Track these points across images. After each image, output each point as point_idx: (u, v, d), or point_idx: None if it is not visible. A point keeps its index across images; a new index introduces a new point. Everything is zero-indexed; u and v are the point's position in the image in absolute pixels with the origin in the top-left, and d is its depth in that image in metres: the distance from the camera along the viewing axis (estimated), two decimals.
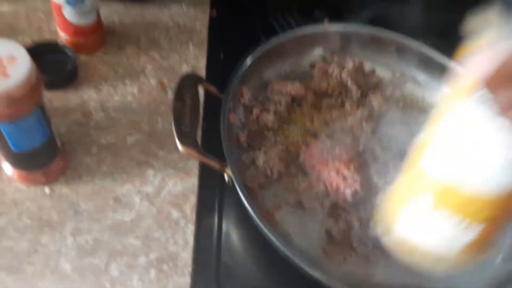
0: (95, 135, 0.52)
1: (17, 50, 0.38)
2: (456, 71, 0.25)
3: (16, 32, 0.60)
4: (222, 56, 0.65)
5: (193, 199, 0.49)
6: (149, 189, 0.49)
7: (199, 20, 0.66)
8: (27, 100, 0.38)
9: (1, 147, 0.42)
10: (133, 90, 0.57)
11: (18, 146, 0.42)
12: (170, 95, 0.57)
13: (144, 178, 0.50)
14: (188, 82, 0.50)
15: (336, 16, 0.66)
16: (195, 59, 0.62)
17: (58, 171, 0.48)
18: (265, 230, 0.43)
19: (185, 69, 0.60)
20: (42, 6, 0.63)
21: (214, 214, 0.50)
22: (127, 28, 0.63)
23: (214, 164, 0.46)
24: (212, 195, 0.51)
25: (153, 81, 0.58)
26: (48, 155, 0.46)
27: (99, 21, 0.58)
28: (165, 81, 0.59)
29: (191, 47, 0.63)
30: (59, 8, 0.53)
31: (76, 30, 0.56)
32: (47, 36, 0.59)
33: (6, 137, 0.40)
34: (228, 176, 0.46)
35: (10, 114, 0.38)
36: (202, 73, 0.60)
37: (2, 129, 0.40)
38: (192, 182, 0.51)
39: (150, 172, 0.50)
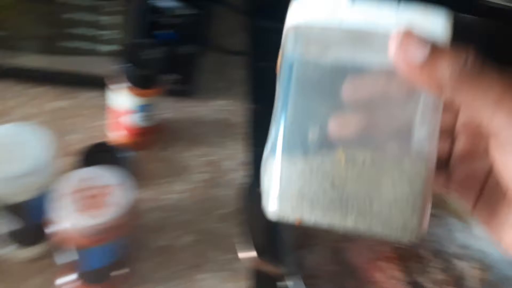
0: (152, 238, 0.54)
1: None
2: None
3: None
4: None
5: None
6: None
7: (242, 114, 0.69)
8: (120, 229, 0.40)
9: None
10: (186, 187, 0.59)
11: (88, 266, 0.44)
12: (220, 190, 0.59)
13: (196, 284, 0.51)
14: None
15: None
16: (241, 155, 0.64)
17: (119, 283, 0.49)
18: None
19: (232, 164, 0.63)
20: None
21: None
22: (178, 123, 0.66)
23: (275, 270, 0.47)
24: None
25: (203, 178, 0.61)
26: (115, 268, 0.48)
27: (159, 121, 0.62)
28: (215, 177, 0.61)
29: (238, 141, 0.65)
30: (128, 113, 0.57)
31: (139, 131, 0.59)
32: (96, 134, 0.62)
33: (79, 258, 0.43)
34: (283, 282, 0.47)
35: (98, 240, 0.40)
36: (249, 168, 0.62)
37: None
38: (242, 285, 0.51)
39: (201, 276, 0.51)
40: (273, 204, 0.24)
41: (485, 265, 0.55)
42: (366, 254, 0.55)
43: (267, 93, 0.80)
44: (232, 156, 0.64)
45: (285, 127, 0.25)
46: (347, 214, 0.24)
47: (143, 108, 0.57)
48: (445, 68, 0.22)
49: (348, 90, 0.25)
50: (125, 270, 0.50)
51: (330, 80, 0.25)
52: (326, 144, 0.24)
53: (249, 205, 0.51)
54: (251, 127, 0.68)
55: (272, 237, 0.50)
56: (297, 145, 0.24)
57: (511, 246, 0.25)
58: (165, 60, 0.59)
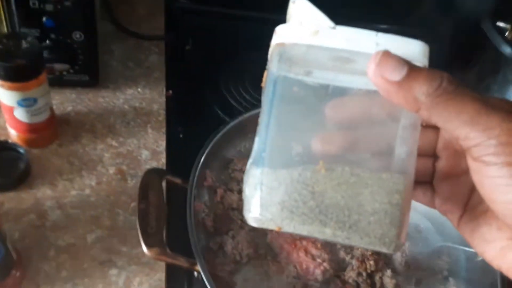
0: (53, 237, 0.49)
1: None
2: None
3: None
4: (181, 136, 0.65)
5: None
6: None
7: (156, 101, 0.67)
8: None
9: None
10: (90, 182, 0.55)
11: None
12: (130, 183, 0.56)
13: (107, 280, 0.47)
14: (151, 177, 0.49)
15: None
16: (155, 143, 0.61)
17: (15, 285, 0.44)
18: None
19: (145, 154, 0.60)
20: None
21: None
22: (82, 115, 0.62)
23: (183, 263, 0.45)
24: None
25: (111, 170, 0.57)
26: (3, 271, 0.43)
27: (52, 116, 0.56)
28: (124, 168, 0.57)
29: (149, 130, 0.63)
30: (10, 109, 0.51)
31: (29, 128, 0.54)
32: None
33: None
34: (198, 272, 0.45)
35: None
36: (163, 157, 0.60)
37: None
38: (158, 277, 0.49)
39: (113, 272, 0.48)
40: (254, 212, 0.25)
41: (410, 238, 0.57)
42: (287, 236, 0.55)
43: (183, 80, 0.78)
44: (146, 146, 0.61)
45: (268, 139, 0.26)
46: (326, 224, 0.24)
47: (25, 103, 0.51)
48: (421, 88, 0.22)
49: (331, 111, 0.26)
50: (20, 271, 0.45)
51: (313, 98, 0.26)
52: (308, 157, 0.25)
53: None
54: (167, 115, 0.65)
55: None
56: (279, 157, 0.25)
57: (493, 260, 0.27)
58: (51, 49, 0.55)
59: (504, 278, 0.52)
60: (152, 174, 0.49)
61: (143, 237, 0.43)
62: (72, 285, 0.46)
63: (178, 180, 0.52)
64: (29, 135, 0.55)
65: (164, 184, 0.56)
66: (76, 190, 0.54)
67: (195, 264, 0.45)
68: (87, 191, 0.54)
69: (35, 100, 0.51)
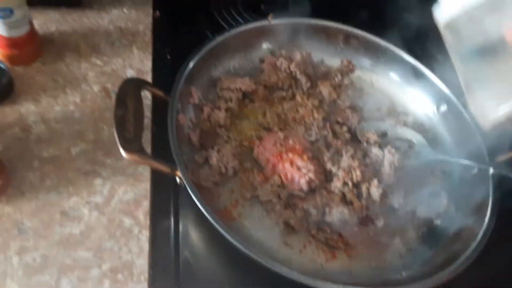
0: (37, 149, 0.49)
1: None
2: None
3: None
4: (168, 57, 0.64)
5: (146, 205, 0.48)
6: (98, 199, 0.47)
7: (142, 22, 0.65)
8: None
9: None
10: (75, 99, 0.55)
11: None
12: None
13: (92, 188, 0.48)
14: (130, 87, 0.48)
15: (282, 9, 0.65)
16: (140, 63, 0.60)
17: None
18: (220, 229, 0.42)
19: (130, 73, 0.59)
20: None
21: (170, 217, 0.49)
22: (66, 35, 0.61)
23: (163, 167, 0.45)
24: (166, 199, 0.50)
25: (96, 88, 0.56)
26: None
27: (32, 31, 0.55)
28: (109, 86, 0.57)
29: (135, 50, 0.61)
30: None
31: (8, 43, 0.53)
32: None
33: None
34: (179, 178, 0.45)
35: None
36: (148, 76, 0.59)
37: None
38: (143, 187, 0.49)
39: (98, 182, 0.48)
40: None
41: (401, 152, 0.56)
42: (274, 149, 0.54)
43: (171, 0, 0.75)
44: (131, 65, 0.59)
45: None
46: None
47: (1, 13, 0.49)
48: None
49: None
50: (4, 179, 0.46)
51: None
52: None
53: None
54: (154, 36, 0.64)
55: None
56: None
57: None
58: None
59: (496, 191, 0.50)
60: (131, 83, 0.48)
61: (121, 142, 0.43)
62: (57, 193, 0.47)
63: (159, 92, 0.51)
64: (10, 51, 0.54)
65: (150, 98, 0.56)
66: (60, 106, 0.54)
67: (175, 169, 0.45)
68: (71, 107, 0.54)
69: (11, 11, 0.50)
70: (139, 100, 0.47)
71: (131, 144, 0.44)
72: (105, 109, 0.54)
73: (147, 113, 0.54)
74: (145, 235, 0.46)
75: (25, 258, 0.43)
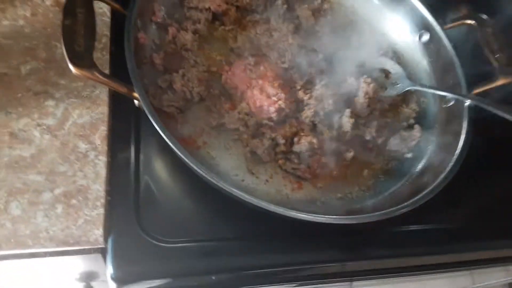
0: None
1: None
2: None
3: None
4: None
5: (103, 129, 0.45)
6: (50, 121, 0.44)
7: None
8: None
9: None
10: (25, 13, 0.49)
11: None
12: None
13: (43, 110, 0.44)
14: None
15: None
16: None
17: None
18: (182, 155, 0.40)
19: None
20: None
21: (130, 143, 0.46)
22: None
23: (118, 87, 0.41)
24: (126, 124, 0.47)
25: (48, 1, 0.51)
26: None
27: None
28: (63, 0, 0.51)
29: None
30: None
31: None
32: None
33: None
34: (138, 99, 0.42)
35: None
36: None
37: None
38: (101, 111, 0.46)
39: (50, 103, 0.45)
40: None
41: (377, 83, 0.53)
42: (243, 76, 0.51)
43: None
44: None
45: None
46: None
47: None
48: None
49: None
50: None
51: None
52: None
53: None
54: None
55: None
56: None
57: None
58: None
59: (470, 124, 0.49)
60: None
61: (69, 55, 0.39)
62: (5, 114, 0.43)
63: (116, 4, 0.46)
64: None
65: (109, 15, 0.51)
66: (9, 20, 0.48)
67: (132, 90, 0.41)
68: (21, 22, 0.49)
69: None
70: (91, 11, 0.43)
71: (82, 59, 0.40)
72: (58, 25, 0.49)
73: (106, 31, 0.50)
74: (102, 161, 0.43)
75: None
